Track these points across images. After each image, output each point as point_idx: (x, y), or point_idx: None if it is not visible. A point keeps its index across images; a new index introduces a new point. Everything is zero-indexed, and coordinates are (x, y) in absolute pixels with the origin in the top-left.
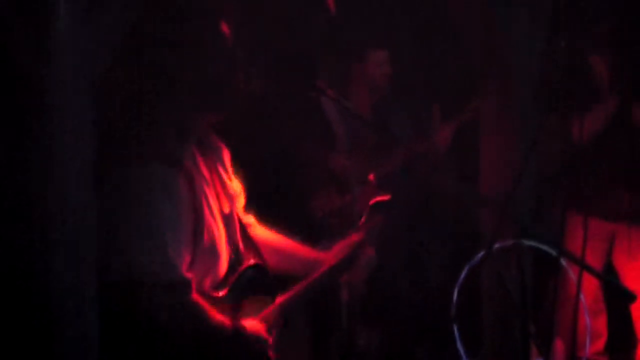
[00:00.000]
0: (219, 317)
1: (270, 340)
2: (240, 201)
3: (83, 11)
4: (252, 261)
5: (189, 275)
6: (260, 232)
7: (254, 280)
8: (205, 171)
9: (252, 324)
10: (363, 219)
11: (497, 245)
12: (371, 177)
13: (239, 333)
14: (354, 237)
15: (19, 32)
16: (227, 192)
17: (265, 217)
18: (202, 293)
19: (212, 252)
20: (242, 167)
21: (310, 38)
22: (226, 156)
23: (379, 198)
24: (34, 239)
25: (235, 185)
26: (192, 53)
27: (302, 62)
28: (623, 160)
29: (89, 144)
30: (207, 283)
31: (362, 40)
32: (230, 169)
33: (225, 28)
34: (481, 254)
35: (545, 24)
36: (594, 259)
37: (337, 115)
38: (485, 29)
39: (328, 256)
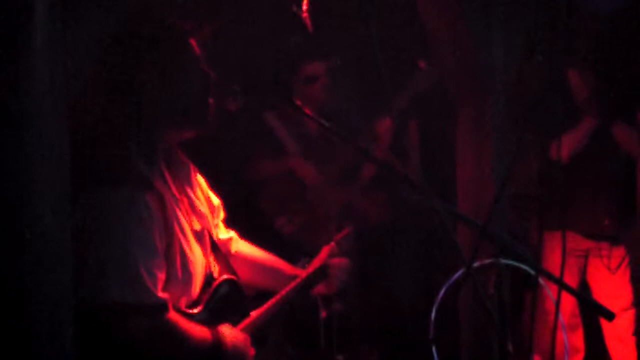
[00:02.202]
0: (199, 334)
1: (252, 353)
2: (220, 215)
3: (58, 36)
4: (225, 276)
5: (164, 296)
6: (243, 246)
7: (228, 296)
8: (174, 189)
9: (232, 337)
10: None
11: (475, 264)
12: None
13: (220, 350)
14: (326, 250)
15: None
16: (197, 210)
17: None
18: (179, 312)
19: (186, 270)
20: (210, 184)
21: (285, 55)
22: (194, 174)
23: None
24: (8, 264)
25: (214, 200)
26: (162, 73)
27: (278, 79)
28: (599, 178)
29: (63, 168)
30: (183, 302)
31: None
32: (202, 186)
33: (196, 48)
34: (459, 272)
35: (523, 43)
36: (570, 275)
37: (287, 135)
38: (461, 46)
39: (305, 272)
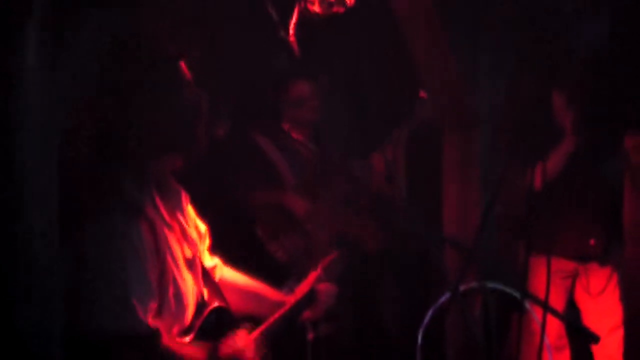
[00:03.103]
0: (194, 354)
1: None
2: (206, 242)
3: (48, 65)
4: (216, 304)
5: (155, 324)
6: (227, 273)
7: (219, 324)
8: (166, 216)
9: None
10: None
11: (461, 287)
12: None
13: None
14: (313, 275)
15: None
16: (188, 237)
17: (228, 260)
18: (172, 340)
19: (178, 298)
20: (202, 211)
21: (272, 80)
22: (185, 200)
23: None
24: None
25: (200, 226)
26: (153, 99)
27: (266, 105)
28: (583, 200)
29: (54, 197)
30: (175, 330)
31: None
32: (190, 213)
33: (187, 74)
34: (445, 296)
35: (508, 67)
36: (557, 296)
37: (280, 158)
38: (448, 73)
39: (291, 299)
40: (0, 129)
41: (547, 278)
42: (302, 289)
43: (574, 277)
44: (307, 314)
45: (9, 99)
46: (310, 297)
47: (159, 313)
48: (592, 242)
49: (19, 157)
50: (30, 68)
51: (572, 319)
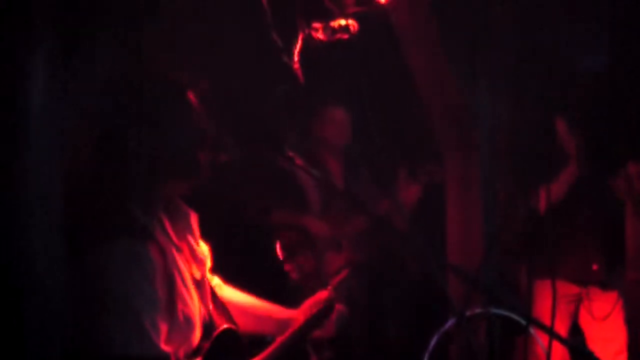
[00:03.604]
0: None
1: None
2: (207, 264)
3: (56, 92)
4: (225, 326)
5: (167, 348)
6: (228, 292)
7: (228, 345)
8: (174, 238)
9: None
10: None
11: (466, 313)
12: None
13: None
14: (322, 294)
15: None
16: (197, 257)
17: (239, 281)
18: None
19: (187, 320)
20: (211, 233)
21: (276, 105)
22: (194, 221)
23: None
24: (4, 316)
25: (203, 248)
26: (160, 123)
27: (271, 130)
28: (586, 225)
29: (59, 220)
30: (182, 352)
31: (321, 100)
32: (197, 234)
33: (192, 98)
34: (451, 321)
35: (508, 92)
36: (561, 321)
37: (309, 180)
38: (448, 96)
39: (297, 314)
40: (7, 159)
41: (552, 301)
42: (311, 307)
43: (577, 301)
44: (316, 333)
45: (16, 128)
46: (321, 317)
47: (169, 335)
48: (594, 267)
49: (27, 182)
50: (38, 99)
51: (576, 344)
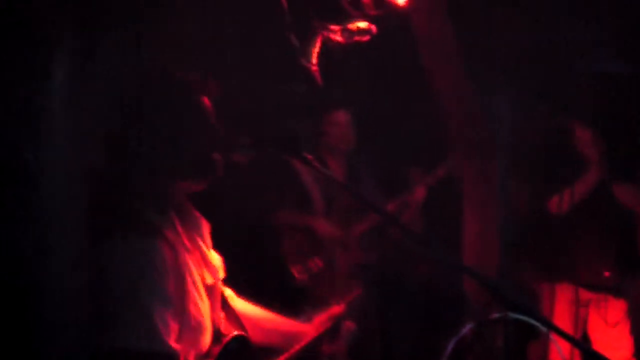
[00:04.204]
0: None
1: None
2: (220, 273)
3: (75, 95)
4: (235, 332)
5: (177, 346)
6: (240, 304)
7: (238, 352)
8: (186, 241)
9: None
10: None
11: (484, 318)
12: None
13: None
14: (335, 310)
15: (10, 114)
16: (208, 263)
17: (244, 283)
18: None
19: (197, 323)
20: (221, 236)
21: (293, 106)
22: (205, 227)
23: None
24: (29, 319)
25: (215, 257)
26: (170, 127)
27: (287, 132)
28: (599, 231)
29: (80, 218)
30: (192, 355)
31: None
32: (209, 241)
33: (207, 102)
34: (468, 326)
35: (527, 96)
36: (571, 326)
37: (313, 181)
38: (466, 100)
39: (309, 328)
40: (29, 153)
41: (575, 305)
42: (323, 321)
43: (587, 307)
44: (326, 348)
45: (37, 126)
46: (332, 332)
47: (179, 336)
48: (606, 273)
49: (46, 186)
50: (58, 98)
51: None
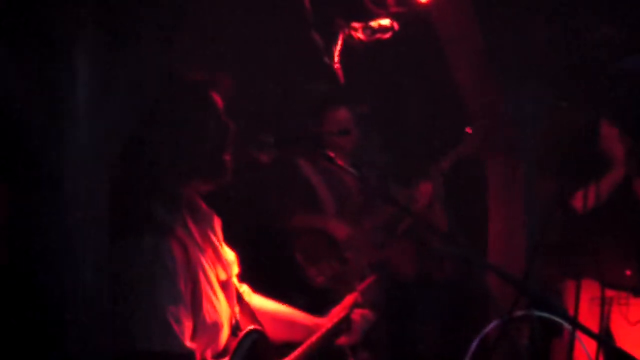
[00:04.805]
0: None
1: None
2: (234, 270)
3: (97, 99)
4: (251, 327)
5: (192, 345)
6: (256, 300)
7: (255, 347)
8: (198, 238)
9: None
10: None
11: (509, 315)
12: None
13: None
14: (350, 299)
15: (35, 116)
16: (221, 259)
17: (263, 285)
18: None
19: (213, 320)
20: (237, 235)
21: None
22: (217, 224)
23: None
24: (49, 320)
25: (229, 254)
26: (180, 125)
27: (309, 130)
28: (621, 229)
29: (103, 226)
30: (209, 353)
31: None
32: (221, 237)
33: (218, 100)
34: (493, 323)
35: (552, 94)
36: (592, 323)
37: (321, 182)
38: (491, 98)
39: (325, 321)
40: (53, 154)
41: (601, 303)
42: (338, 312)
43: (610, 304)
44: (342, 339)
45: (62, 124)
46: (347, 322)
47: (194, 334)
48: (628, 272)
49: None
50: (84, 95)
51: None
